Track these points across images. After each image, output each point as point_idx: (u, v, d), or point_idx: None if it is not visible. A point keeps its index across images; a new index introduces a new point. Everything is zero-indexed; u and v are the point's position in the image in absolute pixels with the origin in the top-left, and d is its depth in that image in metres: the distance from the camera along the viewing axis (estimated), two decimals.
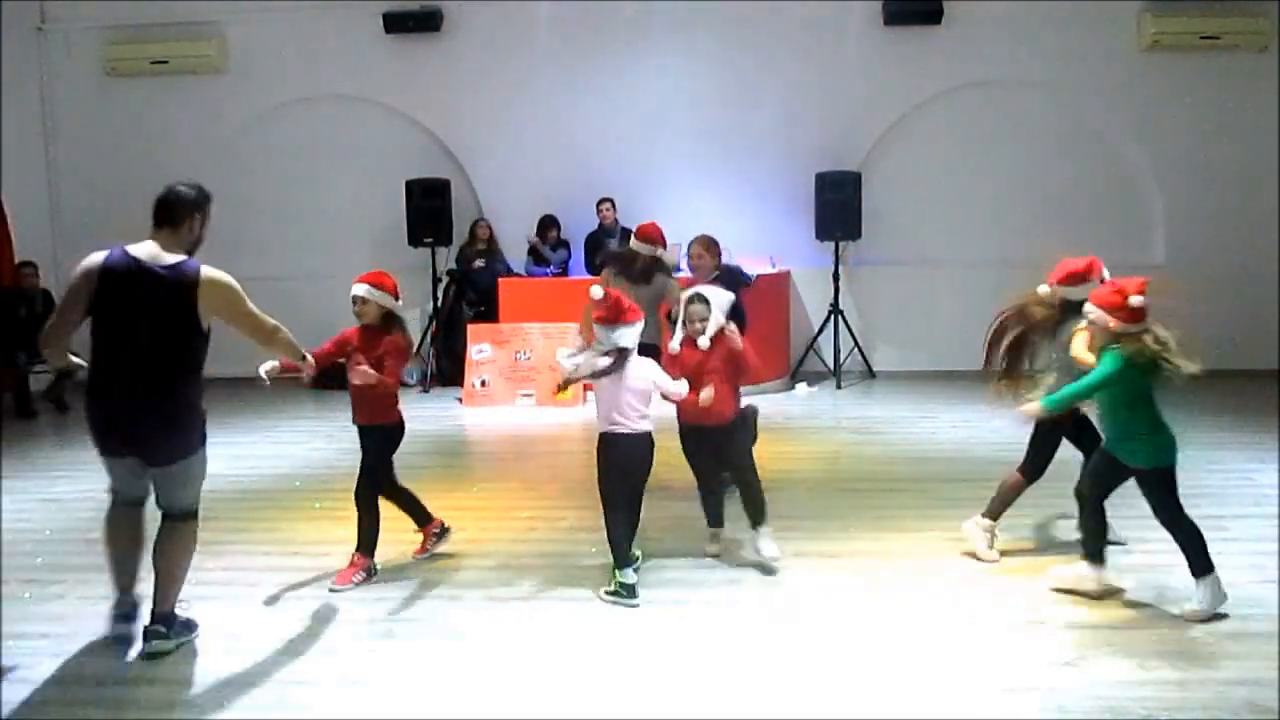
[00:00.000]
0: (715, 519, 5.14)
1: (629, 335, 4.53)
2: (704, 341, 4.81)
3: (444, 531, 5.19)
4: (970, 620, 4.20)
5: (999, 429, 7.86)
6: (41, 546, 5.45)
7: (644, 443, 4.59)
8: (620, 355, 4.51)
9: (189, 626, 4.18)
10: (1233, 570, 4.64)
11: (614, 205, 10.35)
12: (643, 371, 4.62)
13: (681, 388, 4.72)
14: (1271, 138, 10.28)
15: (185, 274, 3.91)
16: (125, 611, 4.19)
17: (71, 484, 6.83)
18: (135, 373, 3.88)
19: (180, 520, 4.09)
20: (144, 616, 4.08)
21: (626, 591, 4.47)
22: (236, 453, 7.38)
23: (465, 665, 3.89)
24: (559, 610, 4.40)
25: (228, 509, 6.00)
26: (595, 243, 10.28)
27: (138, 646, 4.02)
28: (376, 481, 4.88)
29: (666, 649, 4.00)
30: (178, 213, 4.03)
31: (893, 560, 4.92)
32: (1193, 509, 5.23)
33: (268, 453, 7.43)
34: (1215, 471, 6.35)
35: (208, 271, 3.97)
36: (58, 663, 3.97)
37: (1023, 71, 10.60)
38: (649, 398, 4.64)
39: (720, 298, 4.90)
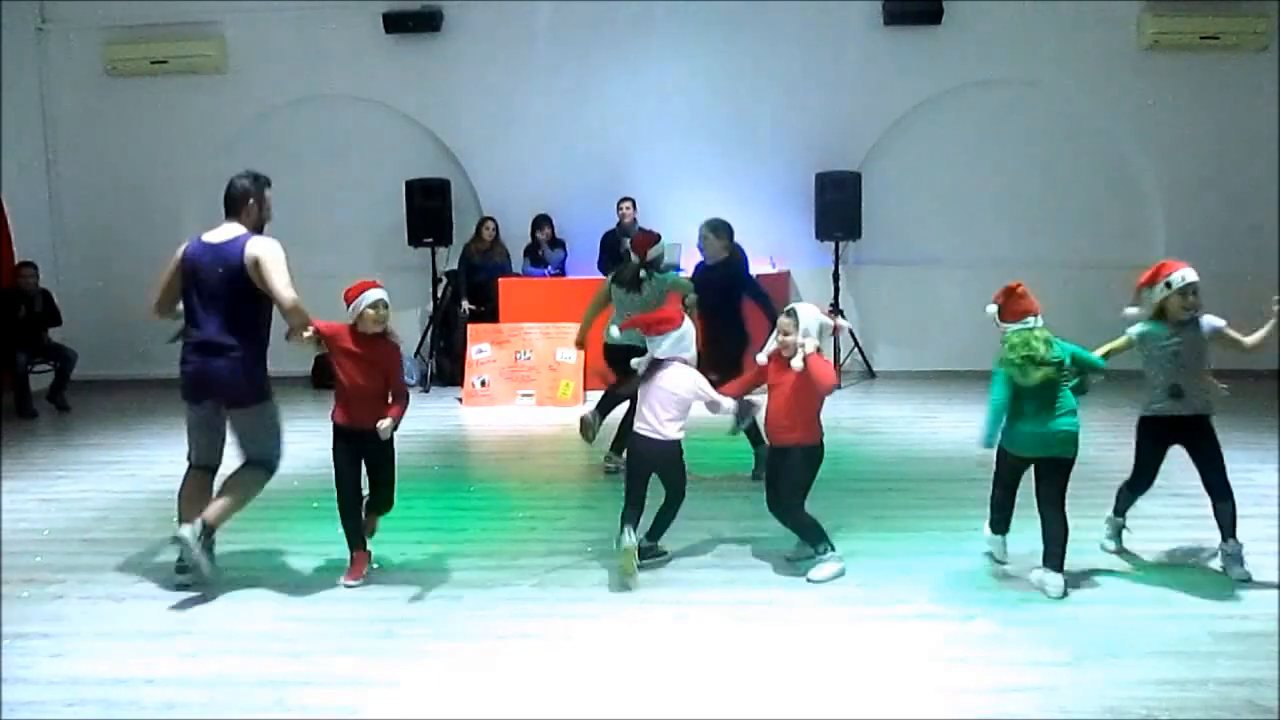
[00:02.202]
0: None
1: (661, 345, 4.82)
2: (797, 363, 4.65)
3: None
4: (969, 619, 4.20)
5: None
6: (41, 546, 5.44)
7: (665, 448, 4.78)
8: (653, 364, 4.83)
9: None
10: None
11: (634, 204, 10.29)
12: (680, 380, 4.79)
13: (726, 401, 4.88)
14: (1271, 138, 10.28)
15: (235, 248, 4.65)
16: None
17: (71, 484, 6.85)
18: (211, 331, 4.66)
19: (256, 467, 4.82)
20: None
21: (615, 546, 4.71)
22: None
23: (465, 665, 3.89)
24: (558, 610, 4.40)
25: None
26: (612, 241, 10.26)
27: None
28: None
29: (665, 649, 3.99)
30: (237, 201, 4.80)
31: (892, 560, 4.92)
32: (1193, 508, 5.25)
33: None
34: None
35: (252, 243, 4.66)
36: (58, 663, 3.97)
37: (1023, 71, 10.60)
38: (685, 406, 4.80)
39: (809, 316, 4.75)
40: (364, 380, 4.70)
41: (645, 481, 4.85)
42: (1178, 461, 4.79)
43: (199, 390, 4.72)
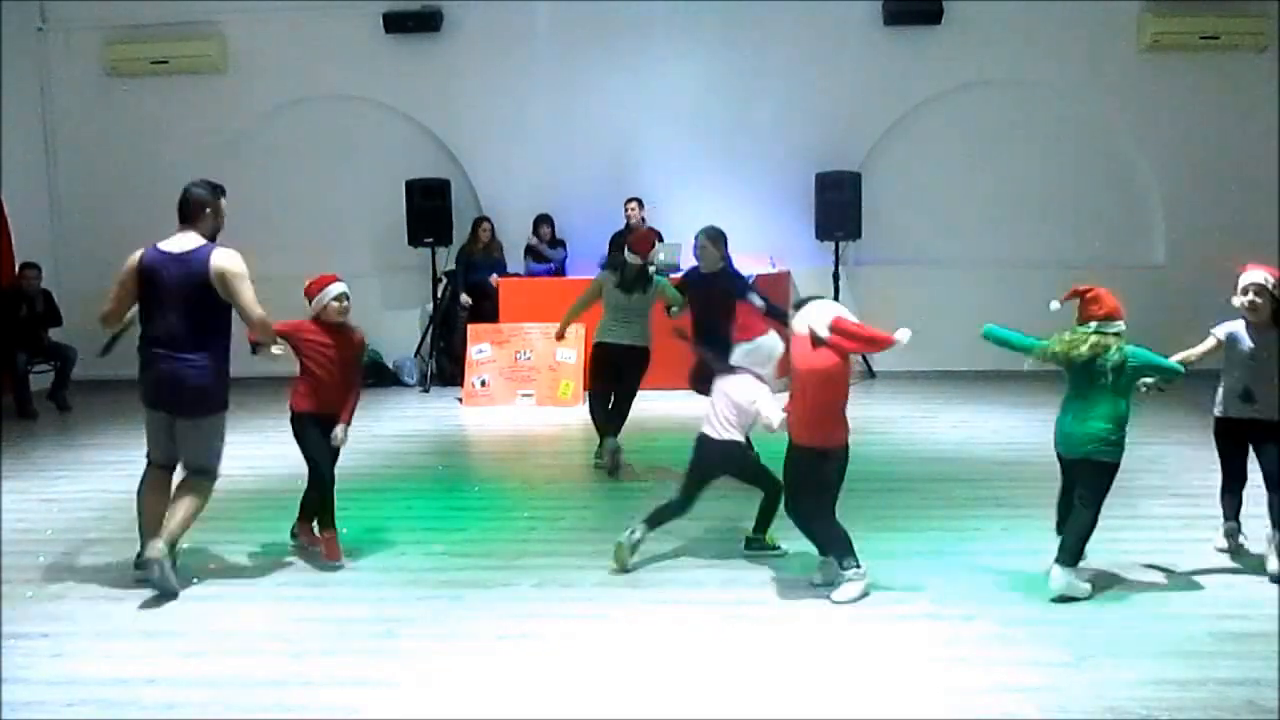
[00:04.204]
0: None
1: (736, 352, 4.84)
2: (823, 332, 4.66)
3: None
4: (969, 619, 4.20)
5: (998, 429, 7.88)
6: (41, 546, 5.44)
7: (728, 449, 4.84)
8: (727, 369, 4.88)
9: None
10: (1232, 570, 4.68)
11: (641, 205, 10.30)
12: (741, 390, 4.81)
13: (775, 420, 4.66)
14: (1271, 138, 10.28)
15: (199, 258, 4.64)
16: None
17: (71, 484, 6.84)
18: (171, 339, 4.65)
19: (199, 476, 4.76)
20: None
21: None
22: (237, 453, 7.30)
23: (465, 665, 3.89)
24: (558, 610, 4.40)
25: (228, 509, 6.00)
26: (620, 241, 10.27)
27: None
28: None
29: (665, 649, 3.99)
30: (192, 209, 4.78)
31: (892, 560, 4.91)
32: (1193, 509, 5.27)
33: (268, 453, 7.39)
34: (1215, 471, 6.30)
35: (216, 255, 4.65)
36: (58, 663, 3.97)
37: (1023, 71, 10.61)
38: (745, 416, 4.80)
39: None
40: (334, 369, 4.99)
41: (703, 484, 4.90)
42: (1180, 462, 4.80)
43: (160, 397, 4.72)
